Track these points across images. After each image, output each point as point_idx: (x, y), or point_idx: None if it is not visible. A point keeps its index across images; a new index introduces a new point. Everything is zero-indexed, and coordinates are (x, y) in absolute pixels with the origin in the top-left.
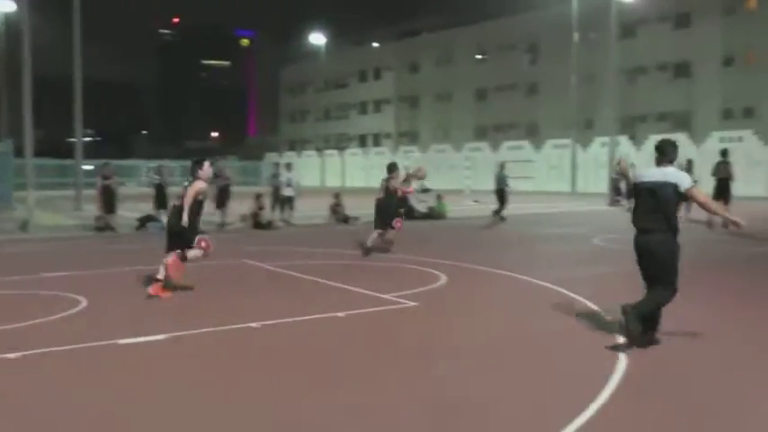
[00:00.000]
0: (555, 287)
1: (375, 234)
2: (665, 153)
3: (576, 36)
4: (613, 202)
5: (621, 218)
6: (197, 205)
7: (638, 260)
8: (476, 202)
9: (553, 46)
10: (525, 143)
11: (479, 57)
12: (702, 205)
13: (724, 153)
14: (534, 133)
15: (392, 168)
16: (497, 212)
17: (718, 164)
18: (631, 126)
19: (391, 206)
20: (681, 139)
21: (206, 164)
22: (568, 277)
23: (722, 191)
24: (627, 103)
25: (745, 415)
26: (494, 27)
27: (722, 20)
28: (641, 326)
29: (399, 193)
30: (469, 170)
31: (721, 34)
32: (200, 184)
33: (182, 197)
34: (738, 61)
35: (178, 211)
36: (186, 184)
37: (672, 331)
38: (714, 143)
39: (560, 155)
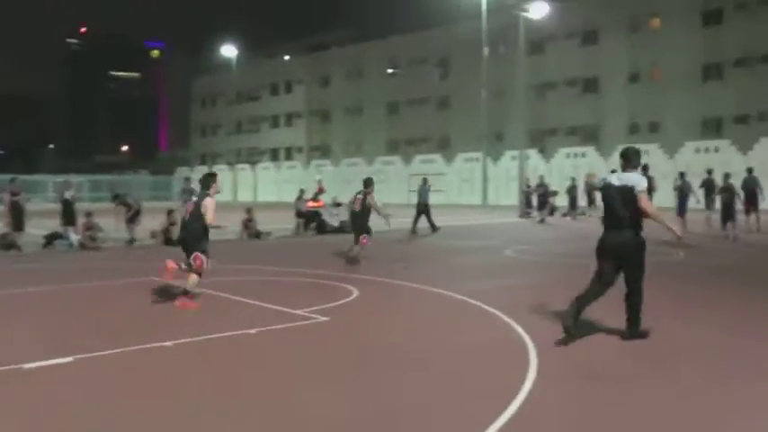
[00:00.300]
0: (467, 299)
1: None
2: (630, 160)
3: (485, 51)
4: (524, 215)
5: (533, 230)
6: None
7: (601, 256)
8: (388, 215)
9: (464, 61)
10: (437, 156)
11: (390, 71)
12: (645, 210)
13: (645, 168)
14: (446, 147)
15: (369, 183)
16: (430, 224)
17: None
18: (541, 139)
19: (365, 220)
20: (589, 152)
21: (219, 177)
22: (481, 289)
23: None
24: (537, 117)
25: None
26: (404, 41)
27: (628, 37)
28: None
29: (356, 207)
30: (381, 184)
31: (627, 51)
32: (213, 199)
33: (190, 211)
34: (644, 77)
35: (194, 220)
36: (195, 198)
37: (586, 336)
38: None
39: (471, 168)
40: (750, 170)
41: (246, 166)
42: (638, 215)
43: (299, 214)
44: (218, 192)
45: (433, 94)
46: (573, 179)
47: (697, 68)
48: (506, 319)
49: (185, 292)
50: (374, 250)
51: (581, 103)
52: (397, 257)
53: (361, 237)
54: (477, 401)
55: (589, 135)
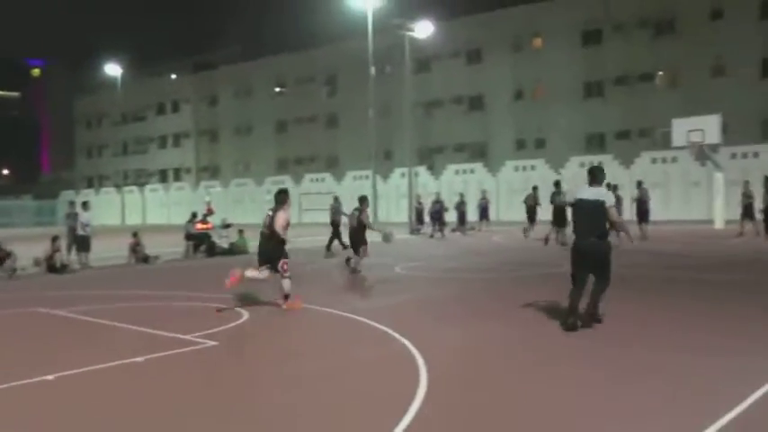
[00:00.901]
0: (357, 317)
1: (358, 257)
2: (596, 177)
3: (372, 70)
4: (414, 231)
5: (423, 246)
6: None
7: (576, 260)
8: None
9: (351, 79)
10: (327, 175)
11: (278, 89)
12: (613, 223)
13: (557, 184)
14: (335, 165)
15: (363, 200)
16: (331, 244)
17: (553, 194)
18: (430, 157)
19: (362, 235)
20: (477, 168)
21: (289, 193)
22: (371, 307)
23: (560, 217)
24: (425, 134)
25: None
26: (292, 60)
27: (511, 56)
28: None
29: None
30: (271, 204)
31: (511, 69)
32: (288, 212)
33: (268, 225)
34: (528, 95)
35: (271, 235)
36: (270, 213)
37: (474, 351)
38: (509, 172)
39: (361, 186)
40: (640, 183)
41: (134, 188)
42: (605, 225)
43: (189, 237)
44: (289, 206)
45: (321, 112)
46: (461, 195)
47: (579, 86)
48: (396, 335)
49: (286, 297)
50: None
51: (468, 121)
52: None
53: (361, 248)
54: (367, 420)
55: (477, 151)
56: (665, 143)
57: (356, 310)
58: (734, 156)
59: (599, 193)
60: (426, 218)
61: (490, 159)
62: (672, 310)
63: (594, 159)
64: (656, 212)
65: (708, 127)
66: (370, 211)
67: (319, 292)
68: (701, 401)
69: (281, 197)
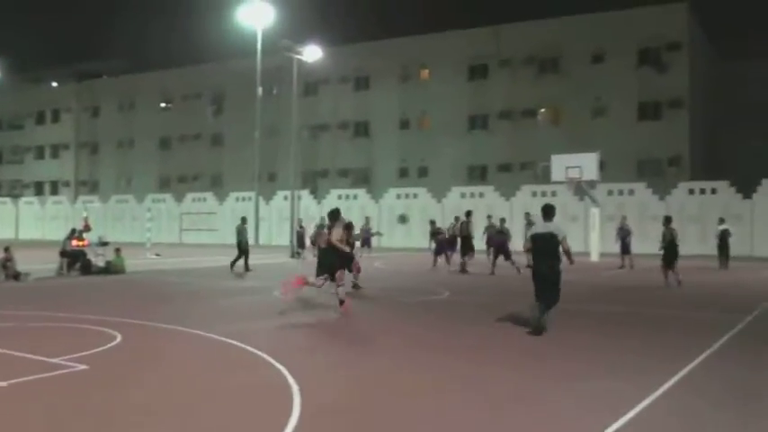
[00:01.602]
0: (233, 342)
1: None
2: (549, 214)
3: (260, 90)
4: (295, 255)
5: (303, 270)
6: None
7: (536, 281)
8: (157, 255)
9: (238, 98)
10: (209, 195)
11: (163, 105)
12: (565, 251)
13: (468, 214)
14: (218, 185)
15: (334, 216)
16: (235, 263)
17: (462, 223)
18: (313, 180)
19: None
20: (360, 194)
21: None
22: (246, 331)
23: (467, 244)
24: (309, 158)
25: None
26: (179, 75)
27: (399, 85)
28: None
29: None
30: (152, 222)
31: (398, 98)
32: (341, 228)
33: (326, 240)
34: (413, 124)
35: (332, 248)
36: (325, 229)
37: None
38: (391, 199)
39: (244, 207)
40: (624, 217)
41: (8, 199)
42: (558, 252)
43: (63, 253)
44: (342, 222)
45: (206, 130)
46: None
47: (464, 118)
48: (270, 360)
49: (341, 303)
50: (140, 292)
51: (353, 146)
52: (163, 299)
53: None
54: None
55: (360, 177)
56: (546, 177)
57: (231, 334)
58: (610, 192)
59: (552, 227)
60: (307, 241)
61: (373, 185)
62: (551, 340)
63: (476, 191)
64: None
65: (586, 164)
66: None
67: (196, 315)
68: (565, 428)
69: (335, 215)
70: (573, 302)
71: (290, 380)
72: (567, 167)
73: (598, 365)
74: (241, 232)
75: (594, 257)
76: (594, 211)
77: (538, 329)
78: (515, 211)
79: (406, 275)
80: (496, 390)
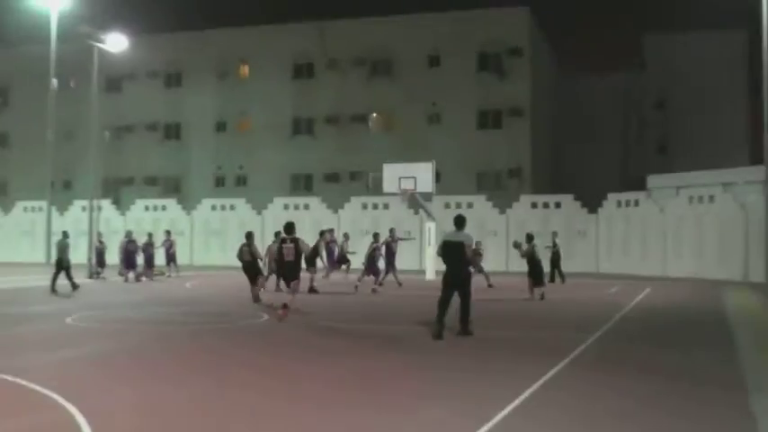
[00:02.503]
0: (12, 378)
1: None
2: (460, 224)
3: (54, 82)
4: (94, 275)
5: (103, 292)
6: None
7: (445, 284)
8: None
9: (28, 92)
10: None
11: None
12: (471, 259)
13: (346, 236)
14: (2, 193)
15: (289, 228)
16: (55, 282)
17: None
18: (116, 189)
19: (298, 268)
20: (171, 204)
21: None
22: (29, 366)
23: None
24: (112, 163)
25: None
26: None
27: (215, 83)
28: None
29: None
30: None
31: (213, 98)
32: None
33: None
34: (231, 127)
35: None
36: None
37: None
38: (206, 210)
39: (33, 219)
40: (392, 229)
41: None
42: (465, 258)
43: None
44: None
45: None
46: (150, 235)
47: (287, 121)
48: (60, 399)
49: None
50: None
51: (163, 151)
52: None
53: (293, 282)
54: None
55: (171, 186)
56: (377, 188)
57: (10, 370)
58: (447, 205)
59: (461, 236)
60: (113, 258)
61: (185, 195)
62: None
63: (301, 202)
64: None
65: (421, 174)
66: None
67: None
68: None
69: (291, 228)
70: (407, 324)
71: (82, 422)
72: (401, 178)
73: (428, 393)
74: (63, 249)
75: (430, 275)
76: (430, 226)
77: (437, 334)
78: (343, 225)
79: (220, 299)
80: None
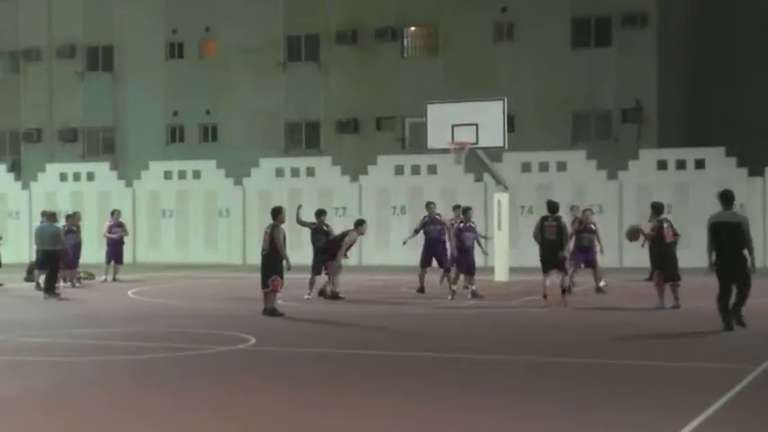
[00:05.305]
0: None
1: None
2: (729, 200)
3: None
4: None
5: (4, 306)
6: None
7: (723, 282)
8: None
9: None
10: None
11: None
12: (747, 245)
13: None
14: None
15: (277, 212)
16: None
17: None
18: (13, 148)
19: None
20: (100, 170)
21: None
22: None
23: None
24: (5, 109)
25: None
26: None
27: None
28: None
29: None
30: None
31: (163, 6)
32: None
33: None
34: (190, 51)
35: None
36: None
37: None
38: (155, 179)
39: None
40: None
41: None
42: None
43: None
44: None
45: None
46: (69, 216)
47: (278, 43)
48: None
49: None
50: None
51: (85, 89)
52: None
53: (271, 279)
54: None
55: (99, 143)
56: (417, 143)
57: None
58: (526, 167)
59: (736, 216)
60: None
61: (122, 157)
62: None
63: (301, 164)
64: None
65: (484, 120)
66: None
67: None
68: None
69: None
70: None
71: None
72: (454, 126)
73: None
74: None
75: (501, 275)
76: (500, 198)
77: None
78: (365, 198)
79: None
80: None
